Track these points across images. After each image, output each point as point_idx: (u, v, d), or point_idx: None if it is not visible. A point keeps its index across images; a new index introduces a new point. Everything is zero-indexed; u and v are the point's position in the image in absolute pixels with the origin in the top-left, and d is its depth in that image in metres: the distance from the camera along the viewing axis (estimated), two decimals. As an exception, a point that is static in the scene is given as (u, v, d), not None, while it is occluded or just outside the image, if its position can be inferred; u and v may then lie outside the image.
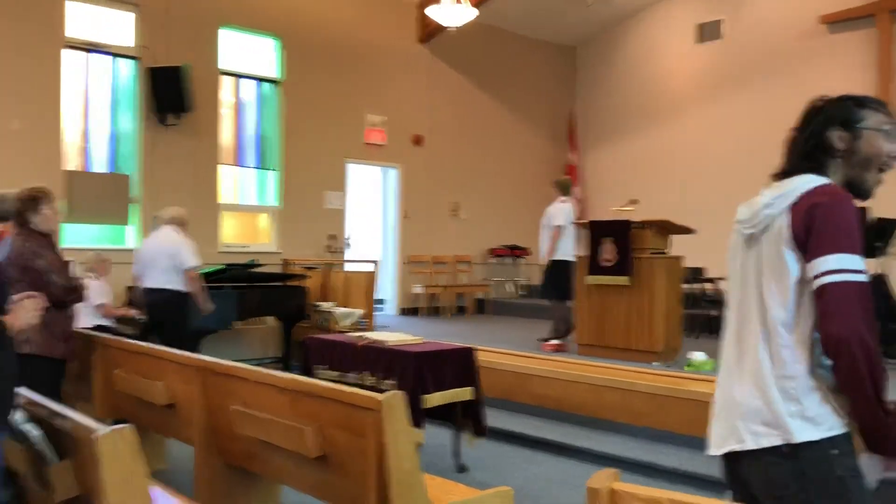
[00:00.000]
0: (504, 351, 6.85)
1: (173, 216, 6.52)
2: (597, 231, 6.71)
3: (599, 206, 12.67)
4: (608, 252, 6.56)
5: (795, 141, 2.01)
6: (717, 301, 8.80)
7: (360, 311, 8.55)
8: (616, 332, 6.66)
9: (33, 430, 2.43)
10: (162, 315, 6.24)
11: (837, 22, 10.26)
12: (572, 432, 5.58)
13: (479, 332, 8.93)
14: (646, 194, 11.02)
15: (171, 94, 8.72)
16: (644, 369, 6.00)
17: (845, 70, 10.09)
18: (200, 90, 9.10)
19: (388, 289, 11.25)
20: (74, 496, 2.41)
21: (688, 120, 11.84)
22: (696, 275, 8.61)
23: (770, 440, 1.76)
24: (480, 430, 4.84)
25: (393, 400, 2.61)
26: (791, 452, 1.73)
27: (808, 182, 1.87)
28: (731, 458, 1.88)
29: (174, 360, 3.87)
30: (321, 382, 2.96)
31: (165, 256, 6.21)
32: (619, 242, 6.51)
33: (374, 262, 9.12)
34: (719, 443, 1.91)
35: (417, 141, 11.46)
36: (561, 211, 7.85)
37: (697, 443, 5.10)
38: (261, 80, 10.01)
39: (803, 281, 1.77)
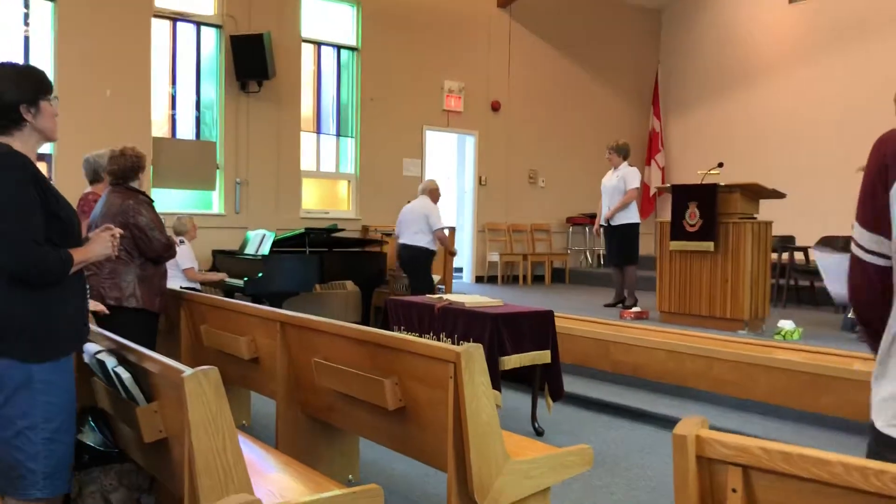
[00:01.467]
0: (583, 318, 6.76)
1: (426, 187, 7.84)
2: (681, 195, 6.52)
3: (682, 172, 12.33)
4: (693, 217, 6.37)
5: None
6: (807, 271, 8.48)
7: (437, 277, 8.57)
8: (700, 300, 6.49)
9: (124, 373, 2.51)
10: (411, 265, 7.63)
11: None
12: (651, 399, 5.48)
13: (557, 300, 8.84)
14: (731, 161, 10.61)
15: (253, 62, 8.86)
16: (729, 337, 5.83)
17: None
18: (281, 58, 9.22)
19: (464, 256, 11.26)
20: (162, 437, 2.49)
21: (777, 85, 11.35)
22: (784, 243, 8.29)
23: None
24: (558, 394, 4.81)
25: (471, 351, 2.60)
26: None
27: None
28: None
29: (258, 315, 3.95)
30: (398, 335, 2.97)
31: (418, 218, 7.52)
32: (704, 207, 6.31)
33: (452, 228, 9.09)
34: None
35: (495, 107, 11.36)
36: (636, 174, 7.79)
37: (785, 412, 4.96)
38: (340, 47, 10.07)
39: None
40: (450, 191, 11.64)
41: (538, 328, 4.72)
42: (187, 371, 2.12)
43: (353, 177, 10.19)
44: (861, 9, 10.36)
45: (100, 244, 2.42)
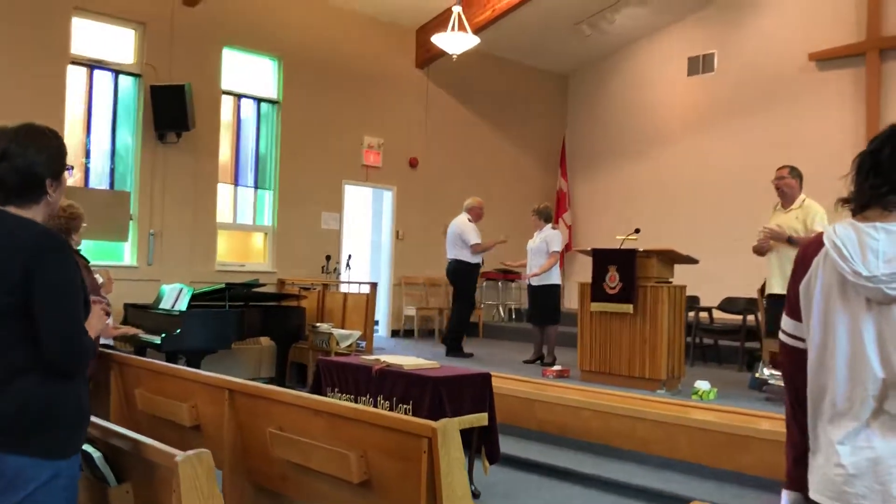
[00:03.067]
0: (506, 375, 6.89)
1: (468, 205, 9.00)
2: (602, 258, 6.81)
3: (588, 232, 12.82)
4: (613, 279, 6.66)
5: (885, 164, 1.90)
6: (711, 330, 8.94)
7: (358, 333, 8.56)
8: (620, 359, 6.75)
9: (94, 452, 2.44)
10: (454, 277, 8.77)
11: (827, 59, 10.53)
12: (579, 458, 5.63)
13: (476, 356, 8.97)
14: (635, 223, 11.21)
15: (172, 112, 8.73)
16: (651, 397, 6.09)
17: (834, 107, 10.37)
18: (201, 109, 9.12)
19: (380, 310, 11.27)
20: (133, 519, 2.42)
21: (679, 151, 12.05)
22: (690, 304, 8.73)
23: None
24: (494, 457, 4.88)
25: (448, 427, 2.65)
26: None
27: None
28: None
29: (201, 381, 3.87)
30: (366, 408, 2.99)
31: (455, 237, 8.66)
32: (623, 270, 6.61)
33: (374, 283, 9.14)
34: (880, 499, 1.82)
35: (413, 164, 11.55)
36: (558, 237, 8.12)
37: (707, 471, 5.20)
38: (260, 100, 10.05)
39: None
40: (366, 244, 11.71)
41: (476, 391, 4.79)
42: (180, 455, 2.09)
43: (271, 229, 10.10)
44: (754, 83, 11.18)
45: (98, 321, 2.34)
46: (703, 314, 9.13)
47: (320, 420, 3.18)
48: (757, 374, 6.82)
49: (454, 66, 11.42)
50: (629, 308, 6.59)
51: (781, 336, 2.09)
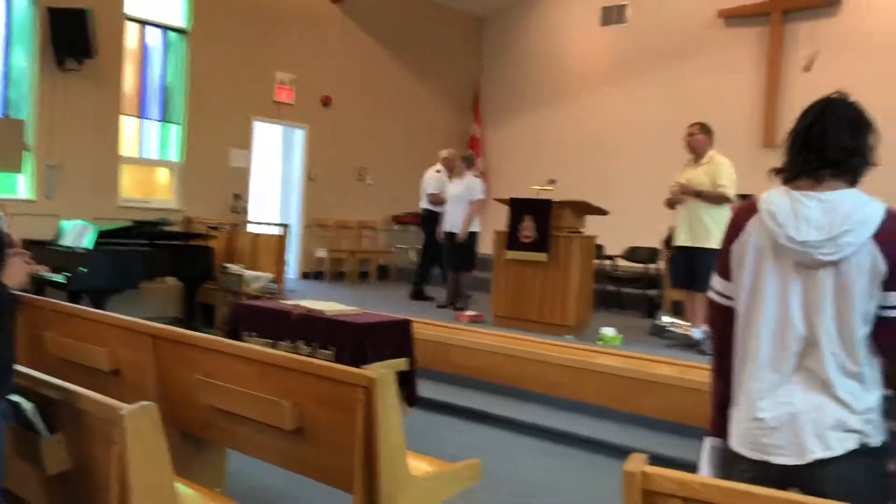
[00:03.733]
0: (422, 320, 6.97)
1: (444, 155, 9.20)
2: (518, 208, 6.94)
3: (500, 180, 12.95)
4: (528, 229, 6.81)
5: (815, 140, 2.02)
6: (615, 278, 9.29)
7: (269, 275, 8.46)
8: (531, 306, 6.95)
9: (24, 403, 2.37)
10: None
11: (734, 17, 10.86)
12: (494, 401, 5.82)
13: (390, 300, 9.04)
14: (547, 172, 11.36)
15: (71, 36, 8.22)
16: (559, 342, 6.32)
17: (740, 65, 10.74)
18: (104, 35, 8.62)
19: (291, 252, 11.14)
20: (65, 470, 2.38)
21: (591, 101, 12.23)
22: (597, 252, 9.02)
23: (852, 444, 1.91)
24: (413, 400, 4.97)
25: (385, 377, 2.70)
26: (869, 454, 1.92)
27: (868, 204, 1.94)
28: (796, 468, 1.95)
29: (121, 326, 3.77)
30: (297, 357, 3.00)
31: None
32: (539, 220, 6.77)
33: (285, 225, 9.02)
34: (796, 451, 1.95)
35: (326, 102, 11.33)
36: (479, 185, 8.18)
37: (613, 414, 5.48)
38: (167, 28, 9.58)
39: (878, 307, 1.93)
40: (277, 184, 11.48)
41: (397, 337, 4.87)
42: (125, 408, 2.06)
43: (177, 165, 9.76)
44: (664, 36, 11.43)
45: (16, 273, 2.24)
46: (609, 262, 9.46)
47: (251, 368, 3.17)
48: (657, 322, 7.17)
49: (370, 2, 11.22)
50: (544, 257, 6.76)
51: (711, 294, 2.22)
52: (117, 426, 2.05)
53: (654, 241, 8.66)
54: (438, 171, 9.09)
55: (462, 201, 8.07)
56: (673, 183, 6.32)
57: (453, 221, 8.16)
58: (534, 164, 12.07)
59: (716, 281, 2.18)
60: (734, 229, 2.12)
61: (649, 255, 8.98)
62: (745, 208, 2.14)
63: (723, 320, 2.17)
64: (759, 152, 9.81)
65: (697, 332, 6.38)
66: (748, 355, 2.10)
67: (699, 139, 6.25)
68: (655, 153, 10.57)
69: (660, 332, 6.99)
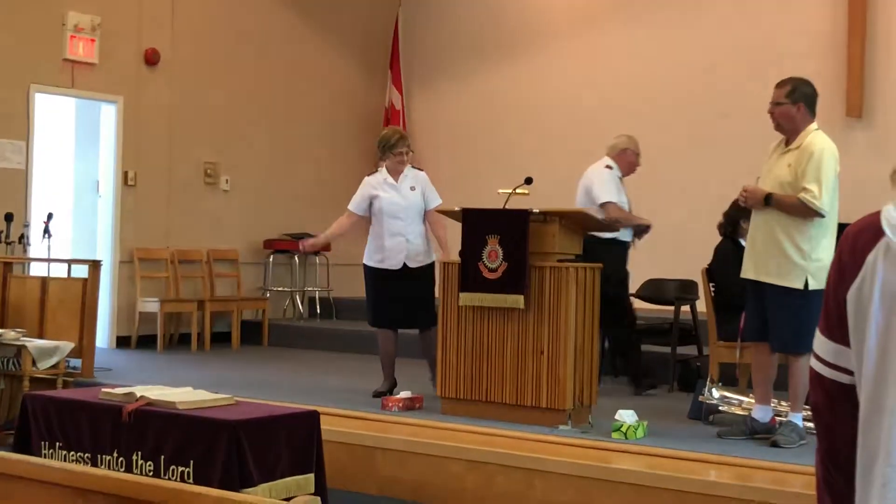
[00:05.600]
0: (326, 410, 6.91)
1: (615, 145, 8.75)
2: (477, 225, 6.95)
3: (438, 177, 12.93)
4: (493, 257, 6.80)
5: None
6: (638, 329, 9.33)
7: (69, 345, 8.33)
8: (500, 380, 6.90)
9: None
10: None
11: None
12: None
13: (265, 378, 8.96)
14: (504, 161, 11.41)
15: None
16: (550, 437, 6.32)
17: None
18: None
19: (103, 304, 10.93)
20: None
21: (553, 56, 12.53)
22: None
23: None
24: (324, 540, 4.96)
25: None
26: None
27: None
28: None
29: None
30: (134, 479, 2.96)
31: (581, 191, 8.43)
32: (510, 243, 6.75)
33: (94, 261, 8.89)
34: None
35: (151, 59, 11.25)
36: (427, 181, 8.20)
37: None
38: None
39: None
40: (69, 194, 11.27)
41: (297, 440, 4.89)
42: None
43: None
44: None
45: None
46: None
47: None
48: (702, 397, 7.23)
49: None
50: (518, 301, 6.75)
51: (814, 364, 2.22)
52: None
53: (690, 271, 8.74)
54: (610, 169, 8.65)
55: (417, 213, 8.00)
56: (743, 187, 6.36)
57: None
58: (485, 148, 12.18)
59: (820, 343, 2.17)
60: (847, 264, 2.11)
61: (680, 291, 9.09)
62: (862, 231, 2.14)
63: (835, 405, 2.16)
64: (841, 124, 10.04)
65: (761, 411, 6.45)
66: (875, 463, 2.09)
67: (784, 111, 6.24)
68: (685, 131, 10.77)
69: (706, 413, 7.05)
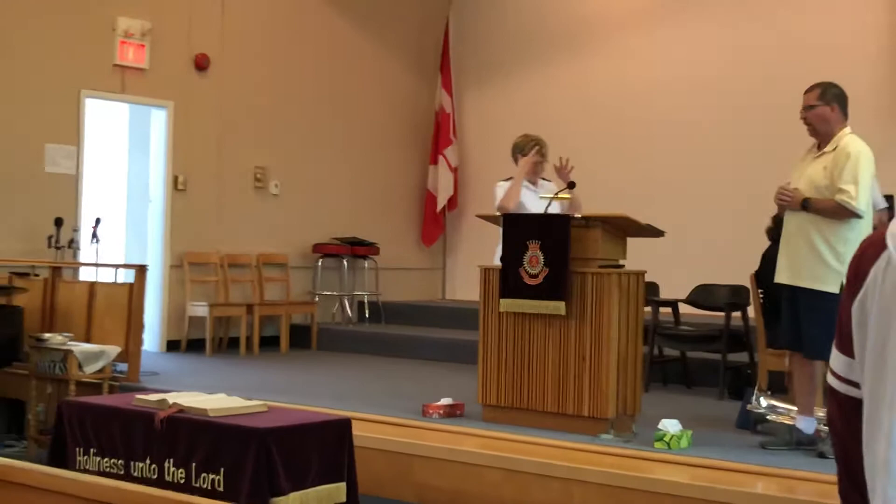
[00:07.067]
0: (365, 416, 6.90)
1: None
2: (517, 229, 6.90)
3: (483, 182, 12.90)
4: (535, 263, 6.75)
5: None
6: (676, 336, 9.23)
7: (114, 349, 8.39)
8: (541, 388, 6.86)
9: None
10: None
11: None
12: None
13: (309, 382, 8.94)
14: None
15: None
16: (592, 446, 6.25)
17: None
18: None
19: (149, 309, 11.00)
20: None
21: (603, 58, 12.47)
22: (649, 296, 8.99)
23: None
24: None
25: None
26: None
27: None
28: None
29: None
30: (163, 495, 2.93)
31: None
32: (551, 249, 6.70)
33: (141, 266, 8.94)
34: None
35: (202, 65, 11.32)
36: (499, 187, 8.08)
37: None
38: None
39: None
40: (121, 199, 11.39)
41: (328, 447, 4.90)
42: None
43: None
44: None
45: None
46: (665, 310, 9.42)
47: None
48: (750, 406, 7.12)
49: None
50: (559, 307, 6.70)
51: (829, 378, 2.17)
52: None
53: (739, 276, 8.63)
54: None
55: None
56: (779, 188, 6.28)
57: None
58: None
59: (834, 357, 2.14)
60: (853, 277, 2.07)
61: (730, 296, 8.96)
62: (872, 245, 2.09)
63: (847, 419, 2.10)
64: (892, 126, 9.88)
65: (805, 422, 6.33)
66: (877, 469, 2.03)
67: (819, 113, 6.19)
68: (736, 135, 10.62)
69: (754, 422, 6.94)
